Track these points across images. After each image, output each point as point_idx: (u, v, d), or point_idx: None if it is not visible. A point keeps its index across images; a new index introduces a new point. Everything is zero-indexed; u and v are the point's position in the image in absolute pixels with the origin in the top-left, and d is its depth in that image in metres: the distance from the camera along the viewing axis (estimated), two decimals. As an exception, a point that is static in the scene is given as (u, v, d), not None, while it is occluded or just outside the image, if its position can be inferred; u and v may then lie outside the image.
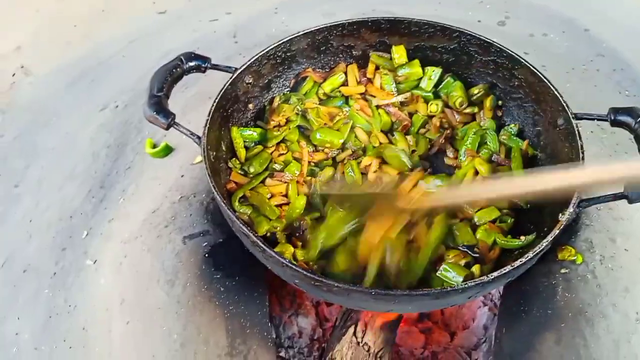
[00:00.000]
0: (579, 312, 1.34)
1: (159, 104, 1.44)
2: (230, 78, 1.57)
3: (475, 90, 1.71)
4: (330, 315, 1.94)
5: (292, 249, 1.40)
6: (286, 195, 1.55)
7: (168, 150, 1.83)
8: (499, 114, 1.70)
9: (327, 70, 1.83)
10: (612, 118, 1.38)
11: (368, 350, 1.48)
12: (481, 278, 1.15)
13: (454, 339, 1.87)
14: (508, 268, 1.16)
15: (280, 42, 1.68)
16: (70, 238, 1.66)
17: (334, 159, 1.66)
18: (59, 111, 2.09)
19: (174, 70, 1.51)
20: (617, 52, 2.25)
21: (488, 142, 1.63)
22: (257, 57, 1.64)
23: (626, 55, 2.23)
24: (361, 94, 1.78)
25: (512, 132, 1.64)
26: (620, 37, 2.32)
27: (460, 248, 1.42)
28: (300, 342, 1.89)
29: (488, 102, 1.70)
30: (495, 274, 1.15)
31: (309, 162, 1.63)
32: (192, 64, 1.55)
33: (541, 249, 1.20)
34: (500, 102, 1.71)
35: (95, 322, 1.45)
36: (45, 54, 2.37)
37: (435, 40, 1.74)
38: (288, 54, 1.72)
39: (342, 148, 1.67)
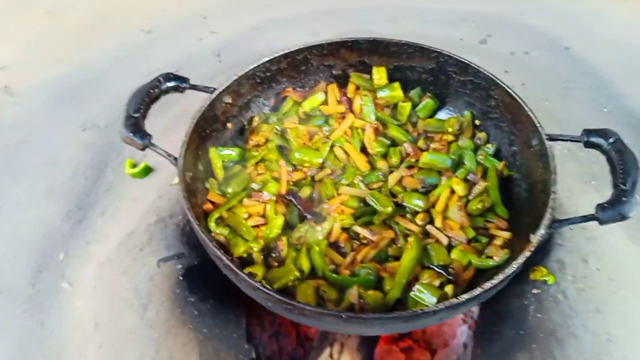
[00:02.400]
0: (550, 333, 1.34)
1: (135, 125, 1.45)
2: (209, 99, 1.58)
3: (462, 120, 1.72)
4: (311, 335, 1.93)
5: (265, 269, 1.40)
6: (264, 216, 1.55)
7: (147, 171, 1.83)
8: (477, 134, 1.71)
9: (307, 89, 1.84)
10: (585, 139, 1.39)
11: (345, 372, 1.48)
12: (451, 301, 1.16)
13: (434, 357, 1.87)
14: (478, 290, 1.16)
15: (260, 63, 1.69)
16: (47, 259, 1.65)
17: (312, 177, 1.67)
18: (41, 130, 2.09)
19: (151, 90, 1.52)
20: (597, 70, 2.27)
21: (465, 162, 1.64)
22: (236, 77, 1.65)
23: (606, 73, 2.25)
24: (341, 113, 1.79)
25: (489, 152, 1.65)
26: (600, 55, 2.34)
27: (435, 268, 1.43)
28: (281, 361, 1.88)
29: (467, 122, 1.72)
30: (465, 296, 1.16)
31: (288, 181, 1.64)
32: (170, 84, 1.56)
33: (512, 271, 1.20)
34: (478, 122, 1.72)
35: (70, 346, 1.44)
36: (30, 73, 2.37)
37: (414, 60, 1.76)
38: (268, 74, 1.74)
39: (321, 167, 1.68)
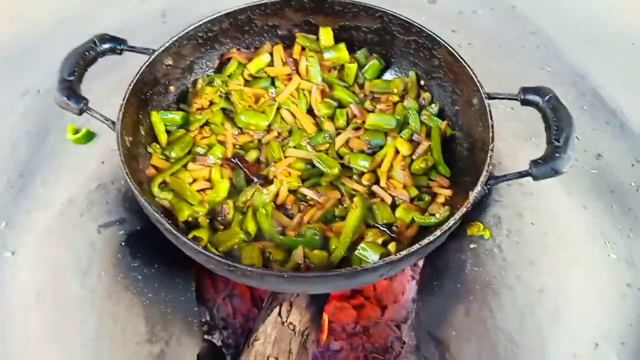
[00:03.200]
0: (486, 285, 1.39)
1: (70, 89, 1.40)
2: (147, 61, 1.54)
3: (407, 80, 1.72)
4: (265, 296, 1.96)
5: (210, 233, 1.40)
6: (209, 180, 1.54)
7: (90, 137, 1.78)
8: (422, 94, 1.73)
9: (252, 50, 1.81)
10: (522, 97, 1.41)
11: (293, 329, 1.51)
12: (390, 257, 1.19)
13: (385, 313, 1.93)
14: (416, 247, 1.19)
15: (201, 23, 1.65)
16: (-12, 229, 1.61)
17: (259, 140, 1.66)
18: (-24, 97, 2.00)
19: (86, 52, 1.47)
20: (541, 29, 2.30)
21: (410, 122, 1.65)
22: (176, 38, 1.61)
23: (550, 32, 2.28)
24: (287, 75, 1.77)
25: (433, 112, 1.67)
26: (545, 14, 2.37)
27: (379, 227, 1.46)
28: (235, 322, 1.91)
29: (412, 82, 1.73)
30: (403, 252, 1.19)
31: (234, 144, 1.62)
32: (106, 46, 1.51)
33: (448, 226, 1.24)
34: (422, 82, 1.73)
35: (13, 316, 1.42)
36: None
37: (359, 20, 1.74)
38: (210, 35, 1.70)
39: (268, 130, 1.67)
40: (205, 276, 1.90)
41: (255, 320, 1.63)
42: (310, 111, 1.72)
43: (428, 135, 1.63)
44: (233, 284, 1.94)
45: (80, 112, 1.39)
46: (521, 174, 1.29)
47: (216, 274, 1.90)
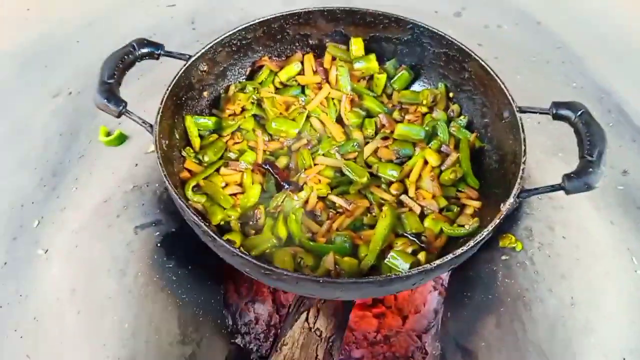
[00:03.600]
0: (517, 297, 1.40)
1: (109, 91, 1.43)
2: (184, 66, 1.57)
3: (436, 92, 1.74)
4: (287, 302, 1.97)
5: (242, 237, 1.42)
6: (241, 184, 1.57)
7: (122, 139, 1.81)
8: (450, 106, 1.74)
9: (283, 58, 1.83)
10: (554, 112, 1.43)
11: (320, 335, 1.52)
12: (424, 266, 1.20)
13: (406, 322, 1.94)
14: (450, 256, 1.21)
15: (235, 30, 1.68)
16: (22, 227, 1.63)
17: (289, 147, 1.68)
18: (10, 96, 2.03)
19: (125, 57, 1.50)
20: (566, 45, 2.32)
21: (439, 133, 1.67)
22: (212, 44, 1.63)
23: (575, 48, 2.31)
24: (317, 83, 1.80)
25: (462, 124, 1.68)
26: (570, 30, 2.39)
27: (408, 236, 1.47)
28: (257, 328, 1.92)
29: (441, 94, 1.74)
30: (437, 262, 1.20)
31: (264, 151, 1.65)
32: (144, 50, 1.53)
33: (482, 237, 1.25)
34: (451, 94, 1.75)
35: (47, 312, 1.44)
36: (-3, 36, 2.30)
37: (390, 31, 1.77)
38: (244, 42, 1.72)
39: (298, 137, 1.69)
40: (229, 281, 1.92)
41: (282, 325, 1.65)
42: (339, 120, 1.74)
43: (456, 147, 1.65)
44: (256, 289, 1.95)
45: (119, 115, 1.42)
46: (554, 188, 1.30)
47: (240, 280, 1.93)
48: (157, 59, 1.57)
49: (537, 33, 2.39)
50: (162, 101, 1.46)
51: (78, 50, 2.27)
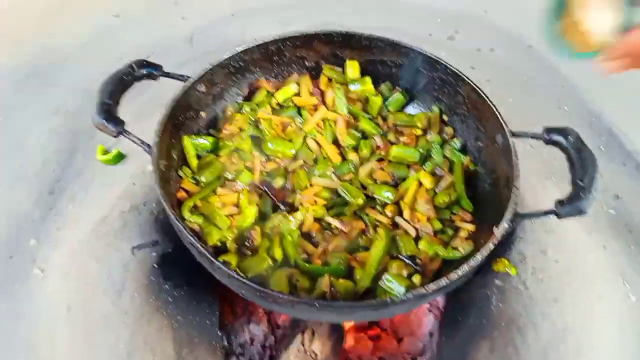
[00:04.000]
0: (511, 322, 1.42)
1: (108, 112, 1.44)
2: (183, 87, 1.58)
3: (430, 115, 1.77)
4: (283, 322, 1.96)
5: (238, 258, 1.43)
6: (237, 205, 1.57)
7: (120, 158, 1.82)
8: (444, 129, 1.77)
9: (280, 80, 1.85)
10: (547, 137, 1.46)
11: (315, 358, 1.52)
12: (419, 291, 1.21)
13: (401, 345, 1.93)
14: (444, 281, 1.22)
15: (234, 53, 1.70)
16: (18, 245, 1.63)
17: (285, 168, 1.69)
18: (7, 113, 2.04)
19: (124, 77, 1.52)
20: (557, 69, 2.36)
21: (433, 156, 1.69)
22: (211, 67, 1.65)
23: (566, 72, 2.34)
24: (314, 105, 1.82)
25: (456, 147, 1.71)
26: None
27: (403, 259, 1.48)
28: (252, 349, 1.91)
29: (435, 117, 1.77)
30: (432, 286, 1.21)
31: (261, 171, 1.66)
32: (143, 71, 1.56)
33: (477, 263, 1.26)
34: (445, 117, 1.78)
35: (41, 331, 1.43)
36: (-6, 52, 2.30)
37: (385, 55, 1.80)
38: (242, 64, 1.74)
39: (294, 158, 1.71)
40: (225, 302, 1.91)
41: (276, 347, 1.65)
42: (335, 141, 1.76)
43: (451, 170, 1.67)
44: (251, 310, 1.95)
45: (117, 135, 1.43)
46: (547, 213, 1.32)
47: (235, 300, 1.93)
48: (156, 79, 1.59)
49: (528, 57, 2.43)
50: (161, 122, 1.47)
51: (76, 68, 2.28)
